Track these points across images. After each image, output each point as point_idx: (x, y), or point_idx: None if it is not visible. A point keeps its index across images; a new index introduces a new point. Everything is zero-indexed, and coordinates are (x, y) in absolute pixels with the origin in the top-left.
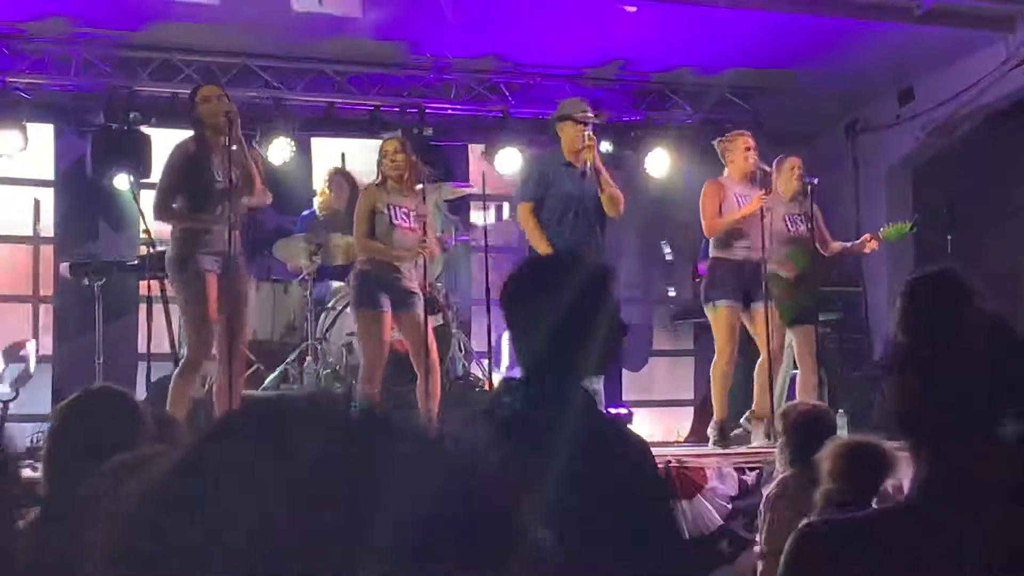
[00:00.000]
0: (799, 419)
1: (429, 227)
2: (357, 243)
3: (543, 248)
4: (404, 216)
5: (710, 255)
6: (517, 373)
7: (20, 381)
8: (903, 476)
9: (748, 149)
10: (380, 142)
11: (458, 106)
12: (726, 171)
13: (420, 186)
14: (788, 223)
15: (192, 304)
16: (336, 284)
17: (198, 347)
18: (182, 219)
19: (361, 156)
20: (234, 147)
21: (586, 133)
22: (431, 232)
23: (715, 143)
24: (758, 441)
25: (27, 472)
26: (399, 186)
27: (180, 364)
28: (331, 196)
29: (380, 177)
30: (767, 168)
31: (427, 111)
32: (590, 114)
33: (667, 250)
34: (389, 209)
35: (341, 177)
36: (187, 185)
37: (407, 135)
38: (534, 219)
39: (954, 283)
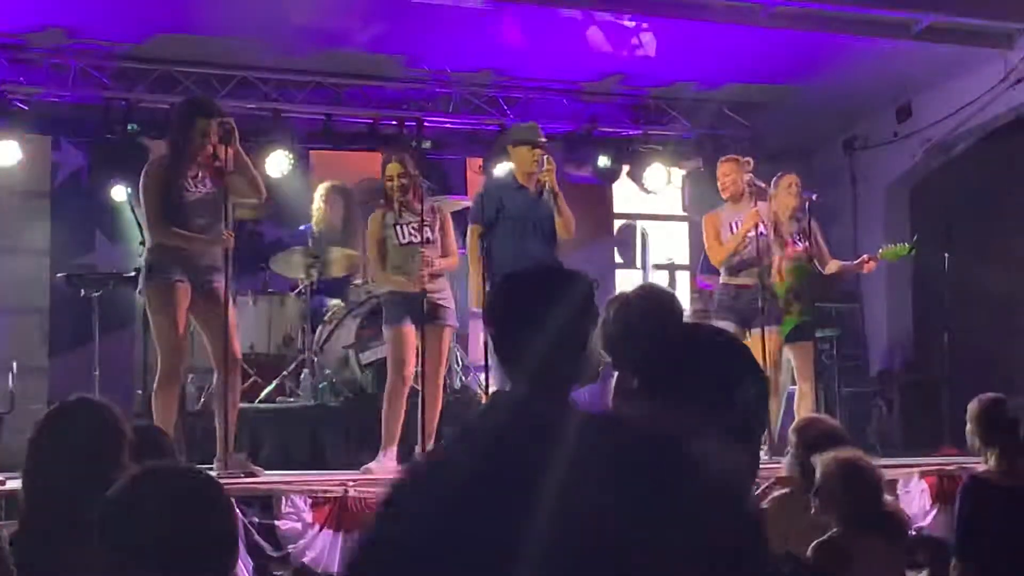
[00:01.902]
0: (818, 436)
1: (446, 235)
2: (375, 277)
3: (474, 271)
4: (413, 231)
5: (721, 279)
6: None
7: None
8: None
9: (724, 176)
10: (379, 155)
11: (456, 120)
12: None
13: (424, 202)
14: (788, 241)
15: (159, 315)
16: (333, 301)
17: (168, 358)
18: (180, 237)
19: (359, 167)
20: (231, 155)
21: (545, 157)
22: (450, 241)
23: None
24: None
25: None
26: (403, 206)
27: (157, 376)
28: (327, 211)
29: (383, 199)
30: (762, 184)
31: (425, 124)
32: (543, 139)
33: None
34: (396, 230)
35: (336, 193)
36: (164, 201)
37: (408, 150)
38: (478, 244)
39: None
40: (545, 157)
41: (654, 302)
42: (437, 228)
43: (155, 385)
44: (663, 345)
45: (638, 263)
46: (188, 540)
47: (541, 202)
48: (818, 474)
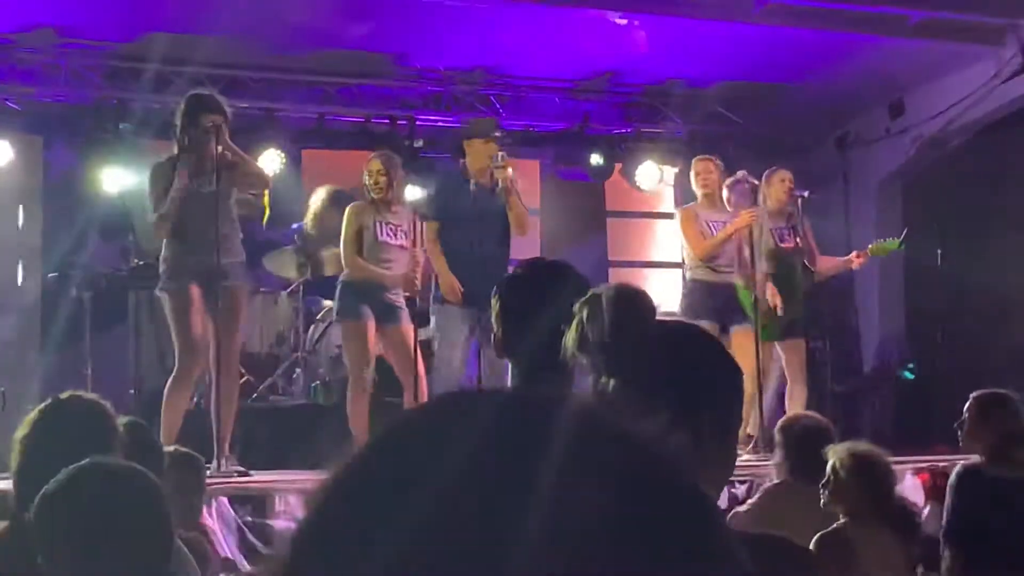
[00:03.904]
0: (803, 432)
1: (423, 244)
2: (346, 262)
3: (442, 270)
4: (390, 232)
5: (688, 277)
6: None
7: None
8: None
9: (698, 174)
10: (370, 154)
11: (449, 118)
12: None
13: (407, 203)
14: (776, 236)
15: (175, 318)
16: (326, 301)
17: (186, 358)
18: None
19: (351, 166)
20: (222, 150)
21: (500, 153)
22: (418, 250)
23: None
24: (746, 455)
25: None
26: (384, 204)
27: (172, 375)
28: (325, 215)
29: (367, 194)
30: (755, 181)
31: (418, 123)
32: (499, 133)
33: None
34: (375, 225)
35: (336, 198)
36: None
37: (395, 149)
38: (437, 241)
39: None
40: (500, 153)
41: (628, 301)
42: (415, 235)
43: (168, 382)
44: (640, 344)
45: None
46: (118, 535)
47: (494, 198)
48: (829, 465)
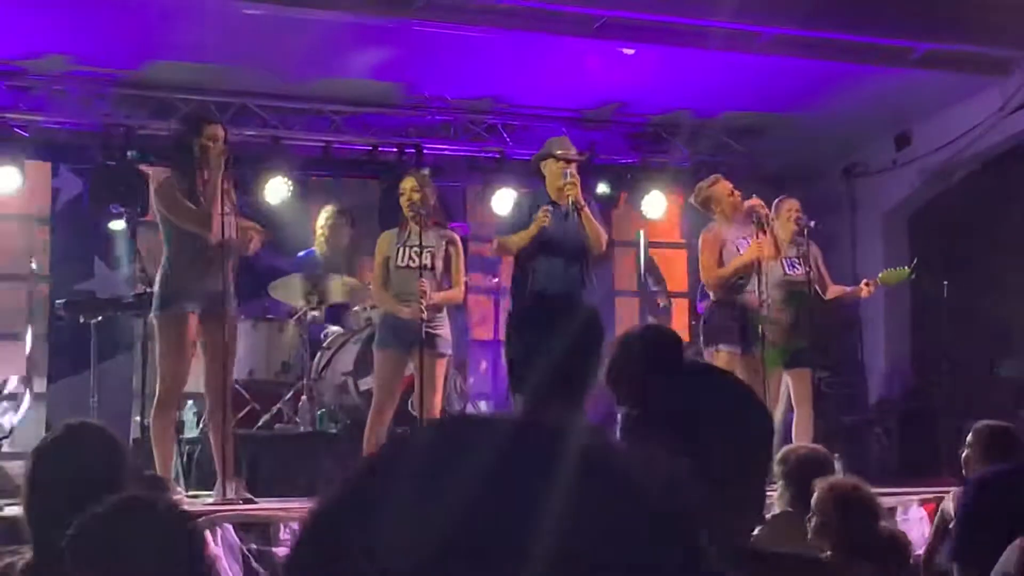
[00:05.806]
0: (800, 462)
1: (456, 266)
2: (375, 295)
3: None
4: (414, 256)
5: (712, 299)
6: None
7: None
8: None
9: (732, 192)
10: (377, 182)
11: (456, 147)
12: (716, 219)
13: (438, 227)
14: (786, 266)
15: (167, 344)
16: (333, 328)
17: (169, 385)
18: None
19: (357, 195)
20: (224, 182)
21: (568, 171)
22: (457, 272)
23: (691, 200)
24: None
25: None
26: (415, 225)
27: (153, 404)
28: (331, 236)
29: (400, 219)
30: (767, 211)
31: (425, 151)
32: (573, 152)
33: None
34: (399, 251)
35: (340, 218)
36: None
37: (401, 178)
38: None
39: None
40: (569, 171)
41: (657, 340)
42: (442, 256)
43: (152, 411)
44: (667, 383)
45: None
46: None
47: (571, 219)
48: (813, 500)
